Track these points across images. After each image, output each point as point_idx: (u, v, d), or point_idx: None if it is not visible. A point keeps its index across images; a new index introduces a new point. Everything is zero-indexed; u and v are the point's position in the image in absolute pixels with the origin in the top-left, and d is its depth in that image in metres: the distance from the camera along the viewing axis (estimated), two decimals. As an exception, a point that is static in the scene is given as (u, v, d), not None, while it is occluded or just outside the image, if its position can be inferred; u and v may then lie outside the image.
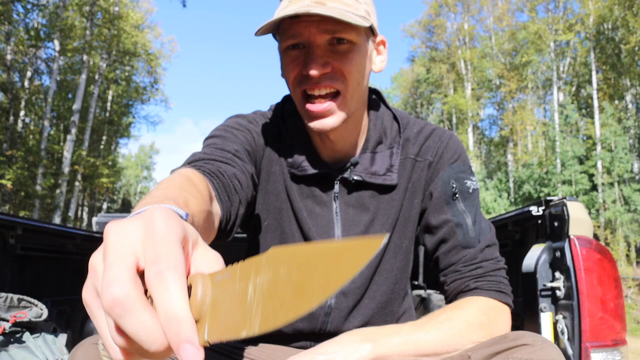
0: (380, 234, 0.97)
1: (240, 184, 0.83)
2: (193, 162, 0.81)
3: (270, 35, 0.94)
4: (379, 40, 0.96)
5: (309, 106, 0.88)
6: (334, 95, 0.88)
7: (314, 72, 0.84)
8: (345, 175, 0.98)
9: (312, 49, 0.86)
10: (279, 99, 1.10)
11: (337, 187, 0.99)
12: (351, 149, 0.99)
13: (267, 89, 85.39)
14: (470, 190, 0.98)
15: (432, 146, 1.01)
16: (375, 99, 1.05)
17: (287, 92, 1.01)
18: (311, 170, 0.98)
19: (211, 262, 0.39)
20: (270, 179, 1.01)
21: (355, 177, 0.97)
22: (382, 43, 0.97)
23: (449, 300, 0.97)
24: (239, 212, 0.83)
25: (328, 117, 0.88)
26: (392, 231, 1.00)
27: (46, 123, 13.68)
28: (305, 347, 1.00)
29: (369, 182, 0.98)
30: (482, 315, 0.86)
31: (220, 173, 0.79)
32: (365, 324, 0.99)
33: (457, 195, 0.96)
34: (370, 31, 0.92)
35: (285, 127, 1.03)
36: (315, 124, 0.89)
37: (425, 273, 2.50)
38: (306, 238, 0.99)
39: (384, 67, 0.97)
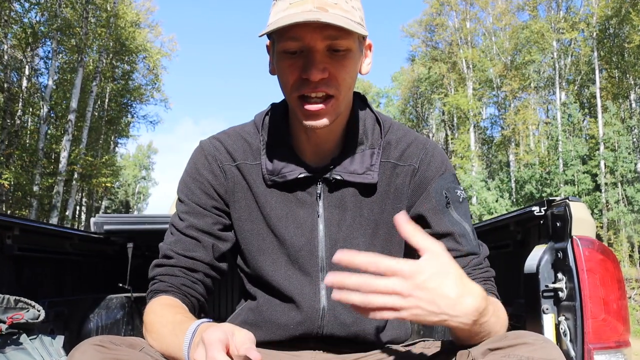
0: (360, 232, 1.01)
1: (218, 267, 1.02)
2: (168, 281, 0.97)
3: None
4: (367, 44, 1.01)
5: (307, 106, 0.92)
6: (327, 98, 0.93)
7: (314, 77, 0.88)
8: (326, 175, 1.00)
9: (312, 54, 0.89)
10: (278, 97, 1.13)
11: (319, 187, 1.01)
12: (334, 147, 1.02)
13: (268, 88, 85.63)
14: (461, 200, 1.02)
15: (416, 153, 1.03)
16: (359, 102, 1.07)
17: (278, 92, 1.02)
18: (293, 175, 1.00)
19: (245, 340, 0.69)
20: (237, 206, 1.04)
21: (335, 177, 1.00)
22: (369, 47, 1.02)
23: None
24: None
25: (322, 117, 0.93)
26: (375, 233, 1.02)
27: (43, 122, 13.69)
28: (304, 350, 1.01)
29: (349, 180, 1.00)
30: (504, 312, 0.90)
31: (195, 287, 0.99)
32: (357, 326, 1.00)
33: (450, 205, 0.99)
34: (362, 37, 0.96)
35: (264, 136, 1.05)
36: (310, 122, 0.94)
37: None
38: (285, 244, 1.00)
39: (369, 70, 1.02)
